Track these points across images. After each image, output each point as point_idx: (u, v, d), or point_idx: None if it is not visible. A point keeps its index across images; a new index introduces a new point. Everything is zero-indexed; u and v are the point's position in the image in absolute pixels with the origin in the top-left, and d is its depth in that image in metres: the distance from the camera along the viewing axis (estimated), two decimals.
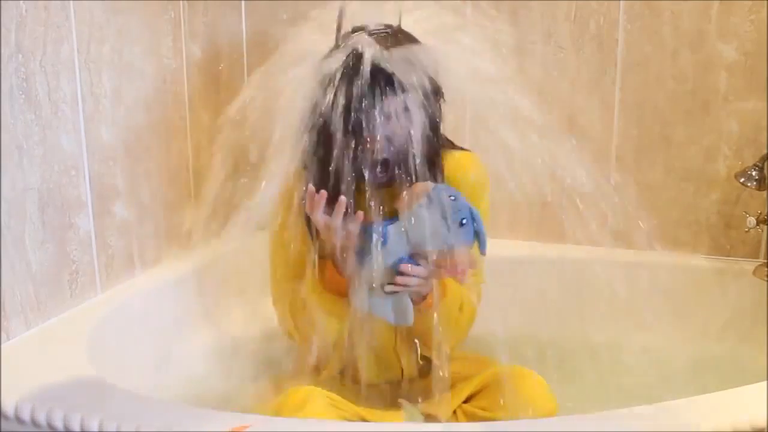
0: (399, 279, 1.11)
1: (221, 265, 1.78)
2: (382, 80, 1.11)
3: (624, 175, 1.80)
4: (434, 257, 1.10)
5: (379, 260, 1.12)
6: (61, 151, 1.34)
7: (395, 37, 1.17)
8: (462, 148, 1.31)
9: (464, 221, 1.08)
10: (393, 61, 1.12)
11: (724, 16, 1.66)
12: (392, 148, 1.16)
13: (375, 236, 1.11)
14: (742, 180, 1.59)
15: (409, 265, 1.11)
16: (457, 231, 1.08)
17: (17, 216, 1.24)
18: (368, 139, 1.13)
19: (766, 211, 1.62)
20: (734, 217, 1.73)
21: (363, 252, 1.13)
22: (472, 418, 1.22)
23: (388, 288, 1.12)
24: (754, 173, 1.58)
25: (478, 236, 1.10)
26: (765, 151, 1.60)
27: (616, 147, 1.79)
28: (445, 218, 1.08)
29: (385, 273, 1.12)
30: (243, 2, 1.99)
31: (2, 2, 1.18)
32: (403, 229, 1.11)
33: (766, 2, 1.63)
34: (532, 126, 1.83)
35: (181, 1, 1.69)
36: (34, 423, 1.01)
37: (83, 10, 1.37)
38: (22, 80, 1.24)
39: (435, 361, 1.36)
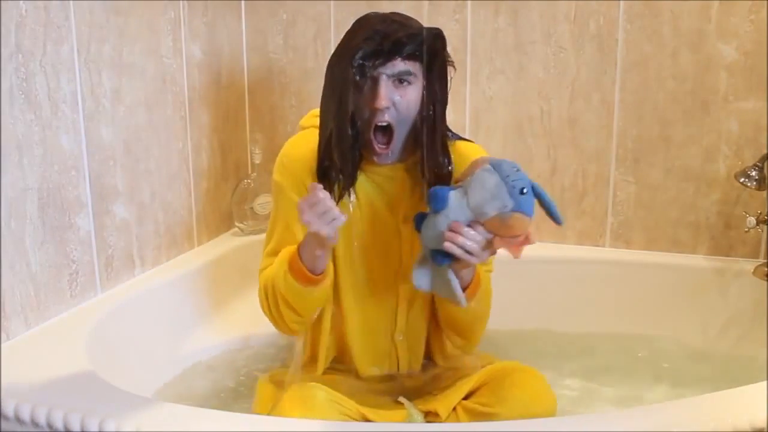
0: (449, 235, 1.09)
1: (221, 265, 1.78)
2: (401, 41, 1.13)
3: (624, 175, 1.80)
4: (492, 222, 1.08)
5: (437, 224, 1.11)
6: (61, 151, 1.34)
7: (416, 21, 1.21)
8: (466, 139, 1.32)
9: (525, 190, 1.07)
10: (414, 30, 1.15)
11: (724, 16, 1.66)
12: (396, 115, 1.17)
13: (435, 201, 1.10)
14: (742, 180, 1.59)
15: (462, 225, 1.09)
16: (517, 197, 1.07)
17: (17, 216, 1.24)
18: (373, 95, 1.15)
19: (766, 211, 1.62)
20: (734, 217, 1.73)
21: (423, 217, 1.14)
22: (472, 414, 1.22)
23: (447, 247, 1.09)
24: (754, 173, 1.58)
25: (549, 207, 1.09)
26: (765, 151, 1.61)
27: (616, 147, 1.80)
28: (506, 182, 1.07)
29: (437, 238, 1.11)
30: (243, 2, 1.99)
31: (2, 2, 1.19)
32: (464, 196, 1.10)
33: (766, 2, 1.63)
34: (533, 126, 1.84)
35: (181, 1, 1.69)
36: (34, 423, 1.01)
37: (83, 10, 1.37)
38: (22, 80, 1.24)
39: (464, 356, 1.36)
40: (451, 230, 1.09)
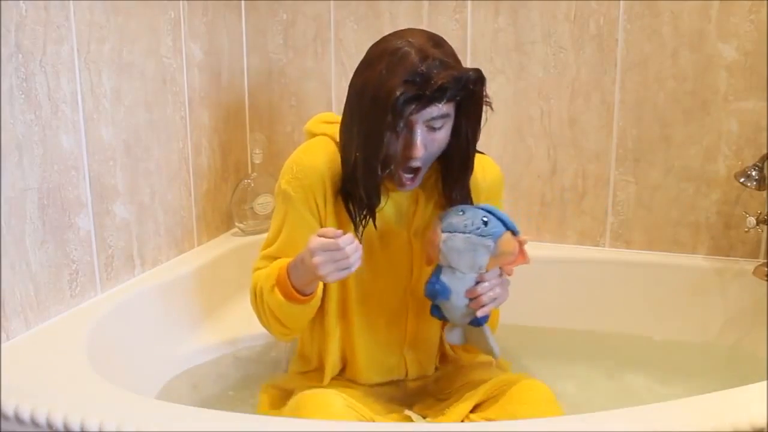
0: (474, 304, 1.13)
1: (221, 266, 1.78)
2: (444, 87, 1.07)
3: (624, 175, 1.80)
4: (491, 264, 1.13)
5: (457, 306, 1.15)
6: (61, 151, 1.34)
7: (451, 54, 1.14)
8: (478, 152, 1.31)
9: (485, 219, 1.12)
10: (456, 73, 1.08)
11: (724, 16, 1.66)
12: (427, 157, 1.15)
13: (440, 295, 1.15)
14: (742, 180, 1.59)
15: (475, 289, 1.14)
16: (487, 231, 1.11)
17: (17, 216, 1.24)
18: (409, 143, 1.12)
19: (766, 211, 1.62)
20: (734, 217, 1.73)
21: (438, 308, 1.19)
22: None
23: (481, 312, 1.14)
24: (753, 173, 1.58)
25: (502, 219, 1.14)
26: (765, 151, 1.61)
27: (616, 147, 1.80)
28: (469, 233, 1.12)
29: (468, 312, 1.16)
30: (243, 2, 1.99)
31: (2, 2, 1.18)
32: (454, 271, 1.14)
33: (766, 2, 1.63)
34: (533, 126, 1.84)
35: (181, 1, 1.69)
36: (34, 423, 1.01)
37: (83, 10, 1.37)
38: (22, 80, 1.24)
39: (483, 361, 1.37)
40: (472, 299, 1.13)
